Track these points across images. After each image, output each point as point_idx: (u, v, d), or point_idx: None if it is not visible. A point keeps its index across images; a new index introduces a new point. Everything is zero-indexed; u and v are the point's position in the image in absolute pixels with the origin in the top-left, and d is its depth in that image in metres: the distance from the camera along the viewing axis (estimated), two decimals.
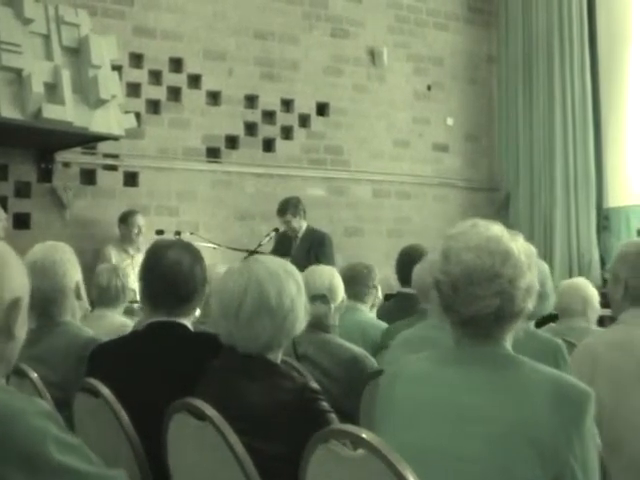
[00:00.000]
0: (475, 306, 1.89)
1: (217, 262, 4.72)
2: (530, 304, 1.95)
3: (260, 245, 6.63)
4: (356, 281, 4.60)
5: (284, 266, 2.41)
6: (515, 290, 1.90)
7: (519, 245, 1.95)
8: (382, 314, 4.74)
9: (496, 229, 1.96)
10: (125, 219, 7.03)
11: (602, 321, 5.01)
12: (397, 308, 4.63)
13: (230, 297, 2.31)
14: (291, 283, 2.36)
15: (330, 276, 3.63)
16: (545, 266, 3.60)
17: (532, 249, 2.00)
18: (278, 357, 2.39)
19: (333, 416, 2.25)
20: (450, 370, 1.96)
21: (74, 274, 3.09)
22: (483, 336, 1.94)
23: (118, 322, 4.17)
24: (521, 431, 1.80)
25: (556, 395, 1.83)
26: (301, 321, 2.38)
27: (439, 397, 1.93)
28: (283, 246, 6.79)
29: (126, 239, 6.97)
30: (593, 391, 1.86)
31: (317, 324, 3.50)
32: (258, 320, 2.28)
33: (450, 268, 1.92)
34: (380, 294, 4.77)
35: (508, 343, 1.97)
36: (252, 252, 6.55)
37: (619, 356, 2.64)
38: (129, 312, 4.69)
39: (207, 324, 3.36)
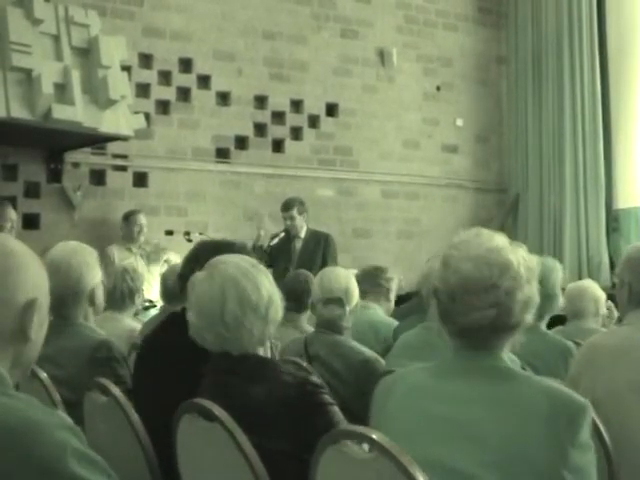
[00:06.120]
0: (471, 316, 1.89)
1: None
2: (528, 317, 1.94)
3: (269, 246, 6.63)
4: (366, 280, 4.63)
5: (249, 261, 2.40)
6: (512, 302, 1.89)
7: (520, 257, 1.94)
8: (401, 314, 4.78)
9: (498, 240, 1.96)
10: (127, 218, 7.06)
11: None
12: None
13: (210, 305, 2.28)
14: (262, 275, 2.35)
15: (346, 279, 3.65)
16: (557, 267, 3.60)
17: (534, 262, 1.99)
18: (267, 349, 2.39)
19: (336, 408, 2.24)
20: (446, 383, 1.96)
21: (90, 279, 3.06)
22: (480, 347, 1.93)
23: (127, 326, 4.15)
24: (515, 445, 1.80)
25: (551, 409, 1.82)
26: (280, 308, 2.36)
27: (435, 410, 1.92)
28: (284, 247, 6.76)
29: (128, 237, 7.00)
30: (589, 402, 1.86)
31: (331, 326, 3.51)
32: (245, 319, 2.26)
33: (448, 277, 1.92)
34: (393, 296, 4.78)
35: (505, 354, 1.97)
36: (259, 253, 6.57)
37: (618, 361, 2.65)
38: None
39: None
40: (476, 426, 1.85)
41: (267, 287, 2.33)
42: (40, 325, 1.52)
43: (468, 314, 1.89)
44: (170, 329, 2.80)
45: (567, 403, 1.84)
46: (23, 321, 1.48)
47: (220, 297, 2.26)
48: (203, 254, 2.71)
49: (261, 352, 2.34)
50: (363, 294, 4.54)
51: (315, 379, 2.27)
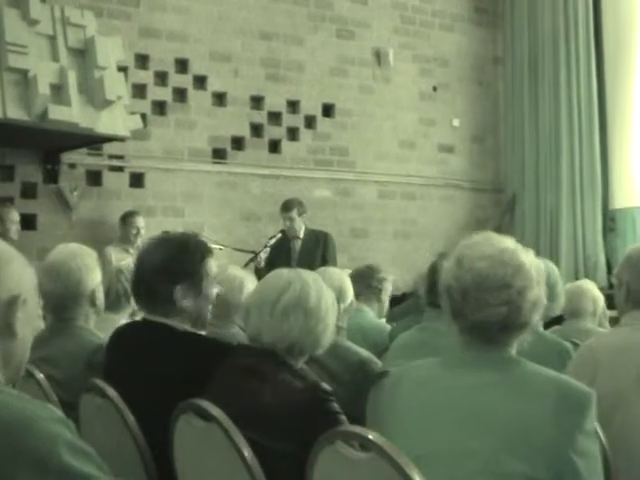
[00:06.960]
0: (483, 313, 1.95)
1: (228, 263, 4.70)
2: (536, 317, 2.00)
3: (266, 246, 6.63)
4: (359, 280, 4.60)
5: (327, 283, 2.49)
6: (523, 302, 1.96)
7: (530, 259, 2.01)
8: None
9: (509, 242, 2.03)
10: (125, 219, 7.07)
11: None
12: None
13: (272, 288, 2.37)
14: (330, 296, 2.43)
15: (340, 278, 3.65)
16: (555, 267, 3.61)
17: (541, 265, 2.06)
18: (297, 365, 2.39)
19: (344, 417, 2.25)
20: (454, 372, 2.01)
21: (90, 282, 3.06)
22: (490, 342, 1.98)
23: None
24: (523, 431, 1.84)
25: (558, 396, 1.87)
26: (328, 338, 2.41)
27: (444, 399, 1.97)
28: (282, 247, 6.76)
29: (125, 239, 7.02)
30: (594, 392, 1.91)
31: None
32: (293, 315, 2.31)
33: (462, 274, 1.98)
34: (386, 297, 4.75)
35: (514, 350, 2.01)
36: (258, 253, 6.57)
37: (620, 361, 2.68)
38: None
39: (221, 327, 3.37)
40: (486, 412, 1.89)
41: (328, 306, 2.38)
42: (26, 322, 1.53)
43: (480, 310, 1.95)
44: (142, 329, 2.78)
45: (573, 391, 1.90)
46: (7, 317, 1.49)
47: (284, 286, 2.35)
48: (147, 254, 2.70)
49: (288, 360, 2.34)
50: (356, 295, 4.53)
51: (326, 386, 2.28)
